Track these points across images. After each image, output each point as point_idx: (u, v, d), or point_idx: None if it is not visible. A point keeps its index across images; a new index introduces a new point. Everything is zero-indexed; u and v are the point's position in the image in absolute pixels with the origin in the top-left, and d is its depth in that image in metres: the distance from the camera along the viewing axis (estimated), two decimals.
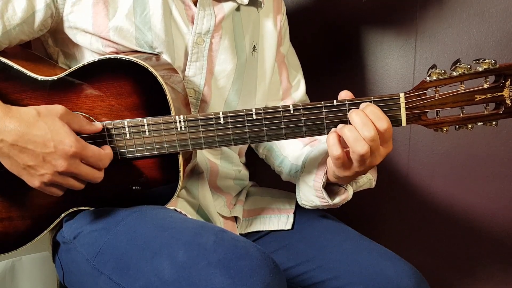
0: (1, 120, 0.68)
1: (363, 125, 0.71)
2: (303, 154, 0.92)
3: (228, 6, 0.88)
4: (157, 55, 0.83)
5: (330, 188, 0.85)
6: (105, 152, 0.74)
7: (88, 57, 0.83)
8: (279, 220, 0.97)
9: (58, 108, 0.71)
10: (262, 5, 0.93)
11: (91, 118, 0.77)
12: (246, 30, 0.93)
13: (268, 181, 1.10)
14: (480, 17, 1.09)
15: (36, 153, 0.68)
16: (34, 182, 0.71)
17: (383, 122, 0.71)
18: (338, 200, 0.84)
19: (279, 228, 0.96)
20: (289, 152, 0.98)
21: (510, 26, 1.06)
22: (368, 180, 0.87)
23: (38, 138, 0.68)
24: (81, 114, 0.76)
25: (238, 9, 0.91)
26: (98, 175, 0.74)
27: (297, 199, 0.92)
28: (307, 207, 0.90)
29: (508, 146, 1.13)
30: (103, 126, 0.76)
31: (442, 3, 1.12)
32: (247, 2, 0.90)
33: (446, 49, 1.13)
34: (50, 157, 0.68)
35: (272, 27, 0.97)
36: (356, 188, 0.86)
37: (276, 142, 1.01)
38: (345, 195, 0.84)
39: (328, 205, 0.85)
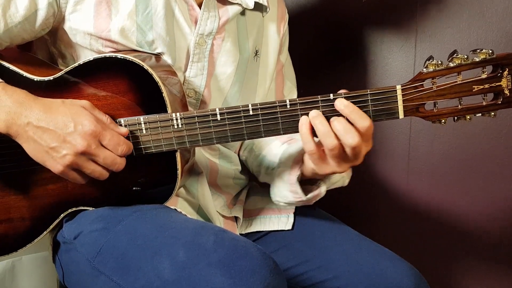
0: (28, 105, 0.71)
1: (347, 131, 0.71)
2: (280, 151, 0.93)
3: (233, 10, 0.88)
4: (157, 56, 0.83)
5: (304, 186, 0.86)
6: (124, 139, 0.74)
7: (87, 57, 0.83)
8: (279, 220, 0.97)
9: (83, 101, 0.75)
10: (268, 9, 0.93)
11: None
12: (250, 34, 0.93)
13: None
14: (480, 17, 1.09)
15: (57, 134, 0.70)
16: (57, 166, 0.71)
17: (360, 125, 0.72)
18: (310, 196, 0.85)
19: (279, 228, 0.96)
20: (267, 151, 0.98)
21: (510, 26, 1.06)
22: (341, 177, 0.87)
23: (60, 119, 0.71)
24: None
25: (243, 13, 0.91)
26: (120, 161, 0.74)
27: (271, 195, 0.92)
28: (281, 204, 0.91)
29: (508, 146, 1.13)
30: (128, 132, 0.76)
31: (442, 3, 1.12)
32: (252, 7, 0.90)
33: (446, 49, 1.13)
34: (70, 137, 0.70)
35: (275, 34, 0.98)
36: (329, 185, 0.86)
37: (256, 142, 1.02)
38: (318, 191, 0.85)
39: (301, 201, 0.85)
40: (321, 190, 0.85)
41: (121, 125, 0.76)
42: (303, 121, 0.74)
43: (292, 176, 0.84)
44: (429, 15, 1.14)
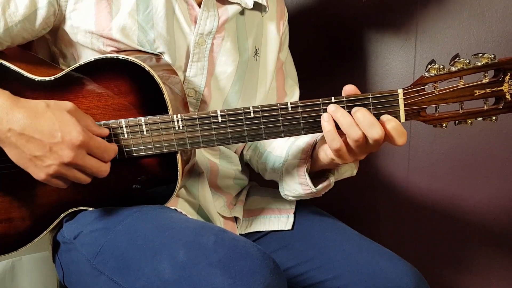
0: (10, 109, 0.68)
1: (371, 124, 0.71)
2: (287, 145, 0.93)
3: (232, 9, 0.88)
4: (158, 56, 0.83)
5: (312, 180, 0.86)
6: (110, 144, 0.74)
7: (87, 57, 0.83)
8: (279, 220, 0.97)
9: (68, 104, 0.72)
10: (267, 9, 0.93)
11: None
12: (250, 34, 0.93)
13: (268, 181, 1.10)
14: (480, 17, 1.09)
15: (43, 143, 0.68)
16: (39, 174, 0.70)
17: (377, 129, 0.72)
18: (320, 187, 0.85)
19: (279, 228, 0.96)
20: (273, 146, 0.99)
21: (510, 26, 1.06)
22: (350, 167, 0.87)
23: (46, 128, 0.68)
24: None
25: (242, 13, 0.91)
26: (104, 168, 0.73)
27: (280, 190, 0.92)
28: (289, 198, 0.91)
29: (508, 146, 1.13)
30: (110, 131, 0.76)
31: (442, 3, 1.12)
32: (251, 6, 0.90)
33: (446, 49, 1.13)
34: (56, 147, 0.68)
35: (275, 32, 0.98)
36: (338, 176, 0.87)
37: (260, 141, 1.01)
38: (327, 182, 0.85)
39: (310, 193, 0.86)
40: (331, 181, 0.85)
41: (122, 126, 0.76)
42: (326, 118, 0.73)
43: (301, 168, 0.84)
44: (429, 15, 1.14)
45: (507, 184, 1.15)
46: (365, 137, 0.72)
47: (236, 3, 0.88)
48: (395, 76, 1.21)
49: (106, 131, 0.75)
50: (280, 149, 0.95)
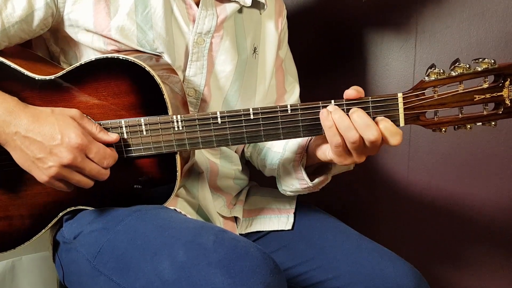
0: (18, 114, 0.72)
1: (367, 126, 0.71)
2: (284, 141, 0.92)
3: (231, 7, 0.88)
4: (158, 56, 0.83)
5: (310, 176, 0.86)
6: (110, 151, 0.75)
7: (89, 56, 0.83)
8: (279, 220, 0.97)
9: (73, 110, 0.75)
10: (265, 7, 0.93)
11: (88, 117, 0.78)
12: (248, 32, 0.93)
13: (268, 181, 1.10)
14: (480, 17, 1.09)
15: (44, 145, 0.71)
16: (42, 176, 0.72)
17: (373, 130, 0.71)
18: (317, 181, 0.85)
19: (279, 228, 0.96)
20: (271, 143, 0.99)
21: (510, 26, 1.06)
22: None
23: (47, 131, 0.71)
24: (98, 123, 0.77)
25: (240, 11, 0.91)
26: (104, 172, 0.75)
27: (277, 185, 0.93)
28: (287, 193, 0.91)
29: (508, 146, 1.13)
30: (120, 137, 0.76)
31: (442, 3, 1.12)
32: (250, 4, 0.90)
33: (446, 49, 1.13)
34: (56, 149, 0.71)
35: (273, 30, 0.98)
36: (335, 171, 0.87)
37: None
38: (324, 177, 0.85)
39: (307, 187, 0.86)
40: (328, 176, 0.85)
41: (121, 126, 0.76)
42: (326, 115, 0.73)
43: (298, 162, 0.85)
44: (429, 15, 1.14)
45: (507, 184, 1.15)
46: (362, 139, 0.72)
47: (235, 1, 0.88)
48: (395, 76, 1.21)
49: (114, 137, 0.76)
50: (278, 145, 0.95)
